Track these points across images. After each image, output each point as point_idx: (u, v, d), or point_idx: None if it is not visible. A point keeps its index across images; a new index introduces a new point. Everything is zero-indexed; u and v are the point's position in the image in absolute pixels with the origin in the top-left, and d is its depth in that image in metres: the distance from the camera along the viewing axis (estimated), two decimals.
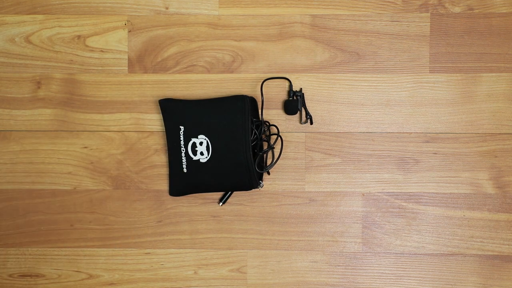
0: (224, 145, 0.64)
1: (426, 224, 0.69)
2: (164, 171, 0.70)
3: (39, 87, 0.71)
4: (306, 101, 0.69)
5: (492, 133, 0.68)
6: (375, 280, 0.70)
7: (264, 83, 0.67)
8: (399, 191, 0.70)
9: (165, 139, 0.67)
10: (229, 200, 0.71)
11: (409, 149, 0.69)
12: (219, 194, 0.71)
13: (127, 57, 0.71)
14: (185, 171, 0.66)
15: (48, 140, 0.71)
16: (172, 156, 0.67)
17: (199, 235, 0.71)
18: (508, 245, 0.69)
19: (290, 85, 0.68)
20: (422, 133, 0.69)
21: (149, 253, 0.71)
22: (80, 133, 0.71)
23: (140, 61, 0.70)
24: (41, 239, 0.72)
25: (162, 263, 0.71)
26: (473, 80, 0.68)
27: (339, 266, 0.70)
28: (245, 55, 0.69)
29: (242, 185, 0.66)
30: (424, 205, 0.69)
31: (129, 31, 0.71)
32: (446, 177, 0.69)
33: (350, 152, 0.69)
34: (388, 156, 0.69)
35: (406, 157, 0.69)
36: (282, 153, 0.69)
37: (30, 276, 0.72)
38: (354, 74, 0.69)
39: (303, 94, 0.68)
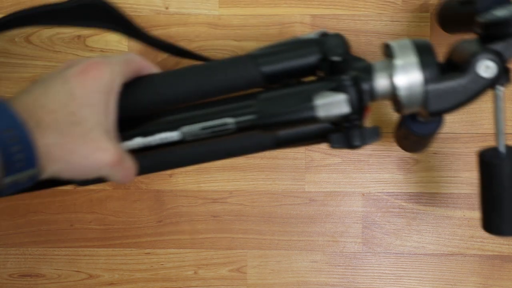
0: None
1: (426, 224, 0.69)
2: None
3: None
4: None
5: (492, 133, 0.68)
6: (375, 280, 0.70)
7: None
8: (399, 191, 0.70)
9: None
10: (229, 200, 0.71)
11: None
12: (218, 194, 0.71)
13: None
14: None
15: None
16: None
17: (199, 235, 0.71)
18: (508, 245, 0.69)
19: None
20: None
21: (149, 253, 0.71)
22: None
23: None
24: (41, 239, 0.72)
25: (162, 263, 0.71)
26: None
27: (339, 266, 0.70)
28: None
29: None
30: (424, 205, 0.69)
31: None
32: (446, 177, 0.69)
33: (350, 152, 0.69)
34: (388, 156, 0.69)
35: (406, 157, 0.69)
36: (284, 152, 0.69)
37: (30, 276, 0.72)
38: None
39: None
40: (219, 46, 0.70)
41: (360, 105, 0.45)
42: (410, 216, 0.69)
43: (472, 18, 0.48)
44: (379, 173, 0.70)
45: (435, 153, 0.69)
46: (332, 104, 0.44)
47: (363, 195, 0.70)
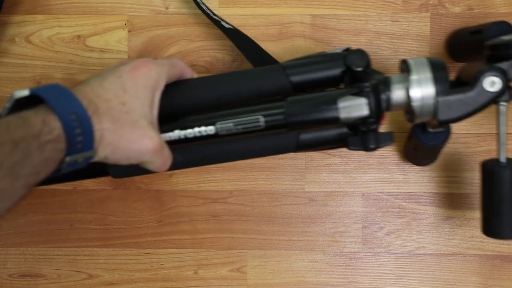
0: None
1: (426, 224, 0.69)
2: None
3: None
4: None
5: (492, 133, 0.68)
6: (375, 280, 0.70)
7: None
8: (399, 191, 0.70)
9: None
10: (229, 200, 0.71)
11: None
12: (218, 194, 0.71)
13: (127, 57, 0.71)
14: None
15: None
16: None
17: (199, 235, 0.71)
18: (508, 245, 0.69)
19: None
20: None
21: (149, 253, 0.71)
22: None
23: None
24: (41, 239, 0.72)
25: (162, 263, 0.71)
26: None
27: (339, 266, 0.70)
28: None
29: None
30: (424, 205, 0.69)
31: (129, 31, 0.71)
32: (446, 177, 0.69)
33: (350, 152, 0.69)
34: (388, 156, 0.69)
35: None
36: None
37: (30, 276, 0.72)
38: None
39: None
40: (219, 46, 0.70)
41: (378, 110, 0.50)
42: (410, 216, 0.69)
43: (481, 46, 0.53)
44: (379, 173, 0.70)
45: None
46: (354, 107, 0.49)
47: (363, 195, 0.70)
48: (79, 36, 0.71)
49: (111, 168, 0.57)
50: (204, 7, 0.66)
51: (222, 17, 0.69)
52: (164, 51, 0.70)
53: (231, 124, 0.52)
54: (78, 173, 0.50)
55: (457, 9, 0.68)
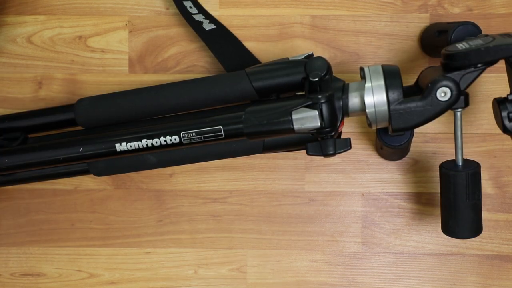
0: None
1: (426, 224, 0.69)
2: (164, 170, 0.71)
3: (40, 87, 0.72)
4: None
5: (491, 133, 0.69)
6: (375, 280, 0.70)
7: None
8: (398, 191, 0.70)
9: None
10: (229, 200, 0.71)
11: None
12: (218, 194, 0.71)
13: (127, 57, 0.71)
14: None
15: None
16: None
17: (199, 235, 0.71)
18: (507, 245, 0.69)
19: None
20: (421, 133, 0.69)
21: (150, 252, 0.71)
22: None
23: (140, 61, 0.71)
24: (42, 238, 0.72)
25: (162, 262, 0.71)
26: None
27: (338, 265, 0.70)
28: None
29: None
30: (423, 205, 0.69)
31: (130, 32, 0.71)
32: None
33: (350, 152, 0.69)
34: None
35: (406, 157, 0.69)
36: (283, 153, 0.69)
37: (32, 275, 0.72)
38: (354, 74, 0.69)
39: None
40: None
41: (332, 120, 0.51)
42: (409, 216, 0.70)
43: (444, 46, 0.53)
44: (379, 173, 0.70)
45: (435, 153, 0.69)
46: (306, 119, 0.51)
47: (363, 195, 0.70)
48: (80, 37, 0.71)
49: (92, 165, 0.62)
50: (188, 8, 0.67)
51: (222, 17, 0.69)
52: (164, 51, 0.71)
53: (194, 134, 0.54)
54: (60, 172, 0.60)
55: (456, 10, 0.68)
